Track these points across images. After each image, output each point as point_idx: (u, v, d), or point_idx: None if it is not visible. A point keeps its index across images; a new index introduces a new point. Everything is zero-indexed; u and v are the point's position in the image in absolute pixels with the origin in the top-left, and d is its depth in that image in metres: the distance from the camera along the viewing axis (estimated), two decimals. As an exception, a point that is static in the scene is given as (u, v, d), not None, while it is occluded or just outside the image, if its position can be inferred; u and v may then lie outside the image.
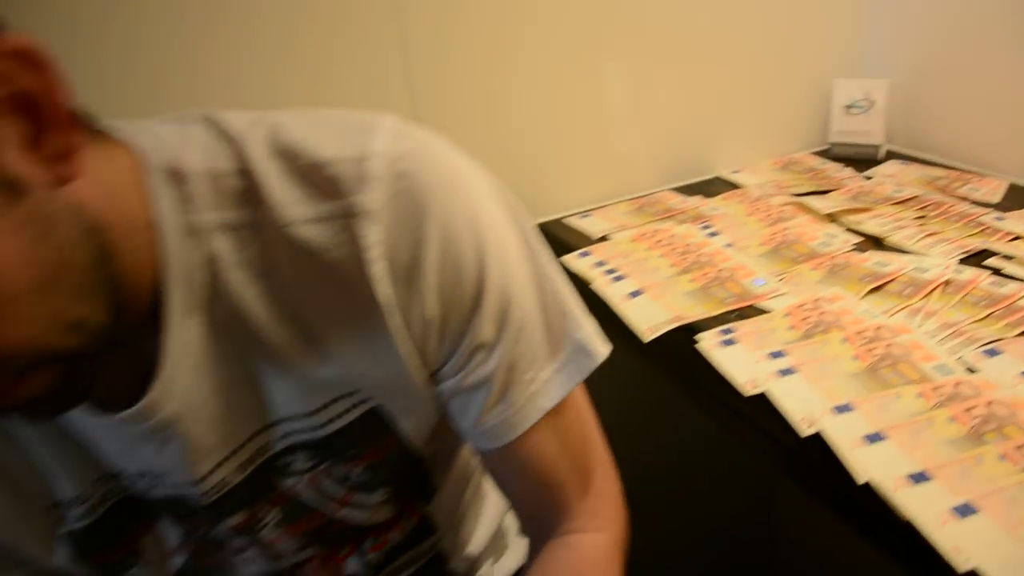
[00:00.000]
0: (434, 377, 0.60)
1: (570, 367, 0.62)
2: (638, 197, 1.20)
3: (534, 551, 0.68)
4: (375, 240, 0.52)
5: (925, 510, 0.58)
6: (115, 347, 0.49)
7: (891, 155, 1.28)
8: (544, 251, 0.61)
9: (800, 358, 0.76)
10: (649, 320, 0.87)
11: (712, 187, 1.23)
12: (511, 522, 0.88)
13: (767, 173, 1.25)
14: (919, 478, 0.60)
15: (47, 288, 0.42)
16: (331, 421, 0.59)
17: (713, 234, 1.04)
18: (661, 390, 1.02)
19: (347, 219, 0.52)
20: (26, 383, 0.44)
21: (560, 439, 0.63)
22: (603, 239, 1.07)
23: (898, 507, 0.59)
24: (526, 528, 0.71)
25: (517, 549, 0.88)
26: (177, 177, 0.51)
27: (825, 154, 1.31)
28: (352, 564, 0.71)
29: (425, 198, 0.53)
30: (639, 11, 1.11)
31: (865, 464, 0.63)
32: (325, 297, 0.54)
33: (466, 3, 1.00)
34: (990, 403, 0.67)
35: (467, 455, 0.78)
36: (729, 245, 1.01)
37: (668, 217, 1.12)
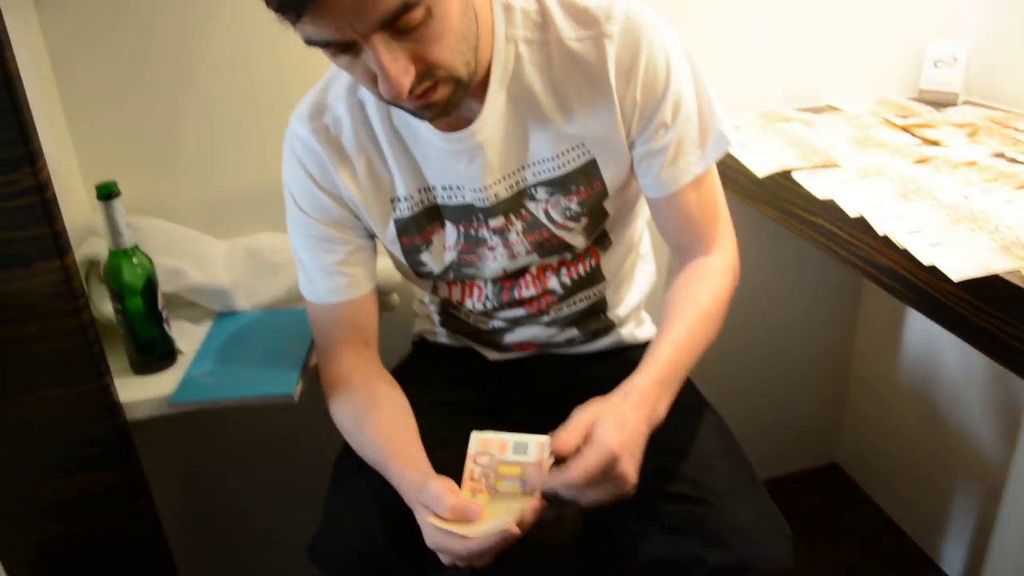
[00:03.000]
0: (631, 145, 1.04)
1: (713, 148, 1.05)
2: (765, 111, 1.63)
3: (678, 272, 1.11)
4: (611, 52, 0.97)
5: (914, 244, 0.99)
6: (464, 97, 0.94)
7: (967, 103, 1.66)
8: (703, 72, 1.04)
9: (858, 187, 1.18)
10: (763, 168, 1.30)
11: (821, 111, 1.64)
12: (646, 314, 1.31)
13: (866, 105, 1.65)
14: (915, 232, 1.02)
15: (461, 37, 0.87)
16: (565, 164, 1.04)
17: (815, 131, 1.46)
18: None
19: (598, 39, 0.98)
20: (438, 90, 0.89)
21: (700, 195, 1.06)
22: (736, 128, 1.50)
23: (892, 237, 1.01)
24: (676, 260, 1.12)
25: (649, 328, 1.32)
26: (507, 8, 0.99)
27: (915, 98, 1.70)
28: (552, 281, 1.16)
29: (640, 34, 0.98)
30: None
31: (880, 223, 1.05)
32: (579, 83, 1.00)
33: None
34: (971, 210, 1.07)
35: (632, 235, 1.21)
36: (825, 136, 1.42)
37: (783, 121, 1.53)
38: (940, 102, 1.65)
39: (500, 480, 0.93)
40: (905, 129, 1.46)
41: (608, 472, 0.84)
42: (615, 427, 0.87)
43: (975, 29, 1.65)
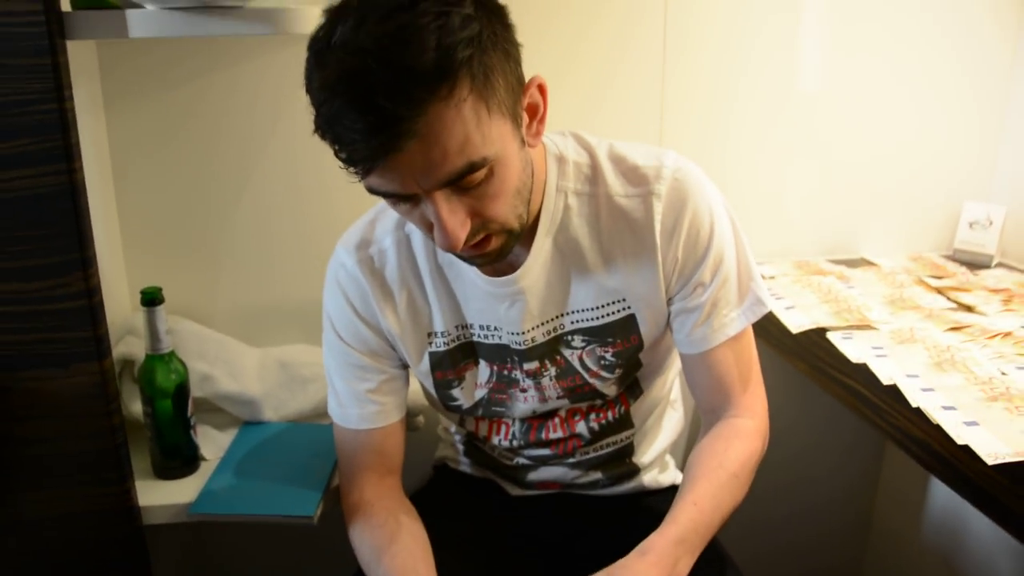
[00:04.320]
0: (669, 300, 1.05)
1: (749, 311, 1.06)
2: (799, 260, 1.65)
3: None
4: (658, 211, 0.99)
5: (948, 421, 0.99)
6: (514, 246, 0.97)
7: (1001, 265, 1.67)
8: (744, 236, 1.06)
9: (893, 352, 1.18)
10: (798, 324, 1.30)
11: (855, 264, 1.65)
12: (670, 458, 1.30)
13: (900, 261, 1.66)
14: (949, 408, 1.02)
15: (517, 193, 0.91)
16: (604, 316, 1.05)
17: (850, 287, 1.47)
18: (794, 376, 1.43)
19: (646, 197, 1.00)
20: (491, 241, 0.92)
21: (735, 356, 1.06)
22: (771, 278, 1.52)
23: (926, 412, 1.00)
24: (705, 420, 1.12)
25: (673, 473, 1.31)
26: (560, 160, 1.02)
27: (949, 257, 1.71)
28: (580, 426, 1.16)
29: (687, 194, 1.00)
30: (826, 126, 1.60)
31: (914, 395, 1.04)
32: (624, 239, 1.02)
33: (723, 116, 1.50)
34: (1007, 387, 1.07)
35: (663, 383, 1.21)
36: (860, 294, 1.43)
37: (818, 274, 1.55)
38: (974, 263, 1.66)
39: None
40: (940, 291, 1.47)
41: None
42: None
43: (1012, 194, 1.67)
